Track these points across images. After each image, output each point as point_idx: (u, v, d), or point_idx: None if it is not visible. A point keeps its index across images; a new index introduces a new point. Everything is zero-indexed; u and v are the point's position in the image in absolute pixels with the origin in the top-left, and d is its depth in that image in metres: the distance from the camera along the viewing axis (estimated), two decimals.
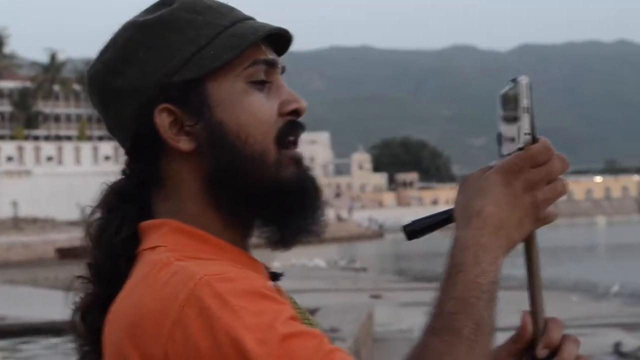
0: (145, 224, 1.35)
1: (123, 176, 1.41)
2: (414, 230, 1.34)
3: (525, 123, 1.26)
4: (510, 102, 1.28)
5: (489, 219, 1.26)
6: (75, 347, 1.40)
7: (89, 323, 1.37)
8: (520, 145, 1.26)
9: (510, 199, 1.26)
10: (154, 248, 1.30)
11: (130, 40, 1.35)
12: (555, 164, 1.27)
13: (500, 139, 1.30)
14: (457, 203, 1.30)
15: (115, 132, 1.38)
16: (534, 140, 1.27)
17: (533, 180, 1.27)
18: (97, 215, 1.39)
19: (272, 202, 1.34)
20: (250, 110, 1.33)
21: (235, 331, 1.16)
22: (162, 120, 1.33)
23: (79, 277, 1.39)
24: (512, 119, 1.27)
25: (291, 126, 1.36)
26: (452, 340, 1.20)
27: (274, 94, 1.36)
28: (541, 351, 1.29)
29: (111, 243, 1.36)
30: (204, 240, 1.32)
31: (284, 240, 1.37)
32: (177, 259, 1.25)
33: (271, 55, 1.38)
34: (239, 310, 1.17)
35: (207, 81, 1.33)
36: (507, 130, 1.28)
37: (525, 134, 1.26)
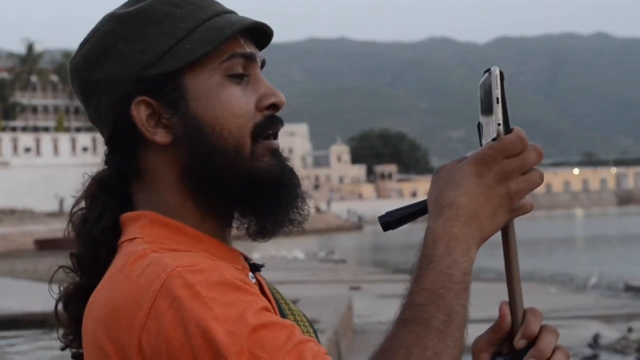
0: (124, 215, 1.36)
1: (105, 167, 1.41)
2: (389, 221, 1.34)
3: (497, 114, 1.25)
4: (486, 93, 1.28)
5: (461, 209, 1.25)
6: (59, 336, 1.41)
7: (71, 312, 1.38)
8: (493, 136, 1.26)
9: (482, 190, 1.26)
10: (132, 239, 1.31)
11: (109, 33, 1.36)
12: (529, 154, 1.26)
13: (480, 129, 1.31)
14: (429, 194, 1.29)
15: (97, 123, 1.39)
16: (508, 130, 1.26)
17: (506, 170, 1.26)
18: (81, 205, 1.41)
19: (248, 194, 1.34)
20: (226, 104, 1.34)
21: (205, 322, 1.16)
22: (139, 112, 1.33)
23: (61, 267, 1.40)
24: (489, 110, 1.27)
25: (269, 121, 1.36)
26: (421, 332, 1.20)
27: (252, 88, 1.37)
28: (519, 341, 1.28)
29: (91, 234, 1.37)
30: (182, 231, 1.33)
31: (262, 231, 1.37)
32: (153, 251, 1.26)
33: (249, 49, 1.37)
34: (208, 302, 1.18)
35: (184, 74, 1.33)
36: (485, 120, 1.29)
37: (498, 124, 1.25)
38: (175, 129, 1.34)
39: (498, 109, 1.25)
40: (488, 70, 1.28)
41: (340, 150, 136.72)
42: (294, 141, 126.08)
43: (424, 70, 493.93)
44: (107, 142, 1.39)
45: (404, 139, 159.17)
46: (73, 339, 1.41)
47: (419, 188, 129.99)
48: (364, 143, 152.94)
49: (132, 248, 1.29)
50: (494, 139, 1.26)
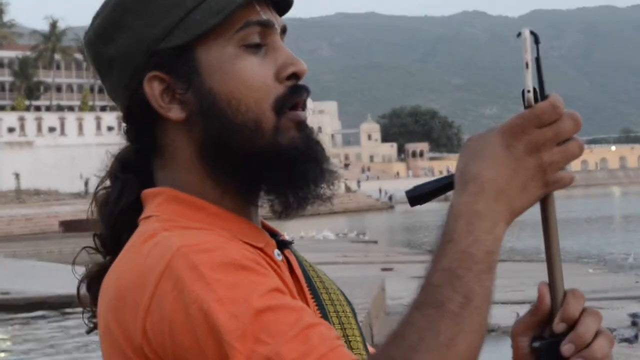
0: (145, 192, 1.33)
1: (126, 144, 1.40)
2: (414, 196, 1.27)
3: (526, 80, 1.17)
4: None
5: (487, 183, 1.16)
6: (84, 319, 1.39)
7: (94, 294, 1.34)
8: (526, 104, 1.17)
9: (511, 162, 1.16)
10: (148, 217, 1.28)
11: (118, 5, 1.32)
12: (565, 123, 1.16)
13: (524, 97, 1.20)
14: (456, 167, 1.21)
15: (114, 98, 1.36)
16: (543, 97, 1.17)
17: (538, 141, 1.16)
18: (105, 185, 1.39)
19: (269, 170, 1.30)
20: (242, 76, 1.29)
21: (207, 304, 1.12)
22: (152, 88, 1.30)
23: (85, 247, 1.39)
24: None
25: (292, 92, 1.30)
26: (434, 315, 1.11)
27: (270, 58, 1.31)
28: (558, 325, 1.19)
29: (112, 213, 1.35)
30: (200, 208, 1.29)
31: (286, 208, 1.32)
32: (165, 229, 1.23)
33: (266, 16, 1.32)
34: (212, 283, 1.14)
35: (196, 47, 1.29)
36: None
37: (527, 91, 1.17)
38: (190, 104, 1.30)
39: (527, 75, 1.16)
40: (518, 33, 1.18)
41: (370, 128, 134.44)
42: (322, 119, 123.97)
43: (456, 45, 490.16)
44: (125, 119, 1.36)
45: (436, 116, 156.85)
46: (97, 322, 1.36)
47: (452, 166, 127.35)
48: (394, 121, 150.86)
49: (144, 227, 1.26)
50: (526, 107, 1.17)
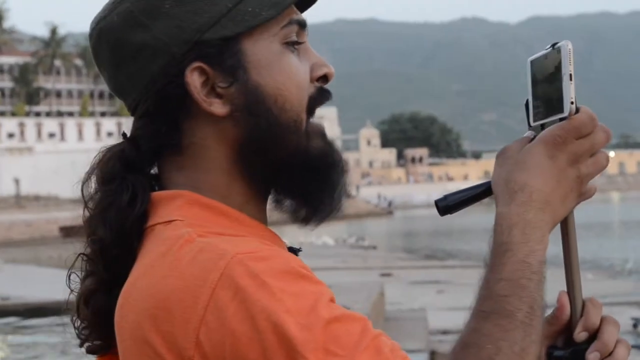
0: (157, 195, 1.24)
1: (127, 141, 1.27)
2: (448, 205, 1.27)
3: (570, 91, 1.18)
4: (545, 69, 1.23)
5: (535, 194, 1.18)
6: (76, 331, 1.30)
7: (93, 306, 1.25)
8: (564, 115, 1.19)
9: (555, 173, 1.19)
10: (169, 222, 1.19)
11: None
12: (598, 135, 1.20)
13: (528, 108, 1.25)
14: (496, 176, 1.22)
15: (126, 91, 1.26)
16: (577, 109, 1.19)
17: (578, 152, 1.19)
18: (98, 186, 1.26)
19: (303, 175, 1.25)
20: (288, 73, 1.24)
21: (276, 315, 1.07)
22: (194, 80, 1.22)
23: (81, 254, 1.28)
24: (547, 87, 1.22)
25: (321, 93, 1.28)
26: (507, 325, 1.13)
27: (304, 57, 1.28)
28: (580, 334, 1.20)
29: (122, 221, 1.22)
30: (223, 213, 1.22)
31: (313, 215, 1.28)
32: (199, 235, 1.15)
33: (300, 16, 1.29)
34: (277, 292, 1.08)
35: (243, 39, 1.23)
36: (540, 98, 1.23)
37: (571, 102, 1.19)
38: (233, 99, 1.22)
39: (571, 86, 1.18)
40: (554, 44, 1.22)
41: (369, 134, 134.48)
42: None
43: (455, 51, 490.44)
44: (142, 114, 1.25)
45: (435, 122, 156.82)
46: (89, 334, 1.29)
47: (451, 172, 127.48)
48: (394, 126, 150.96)
49: (172, 232, 1.17)
50: (561, 119, 1.19)
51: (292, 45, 1.26)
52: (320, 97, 1.27)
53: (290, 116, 1.23)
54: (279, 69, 1.23)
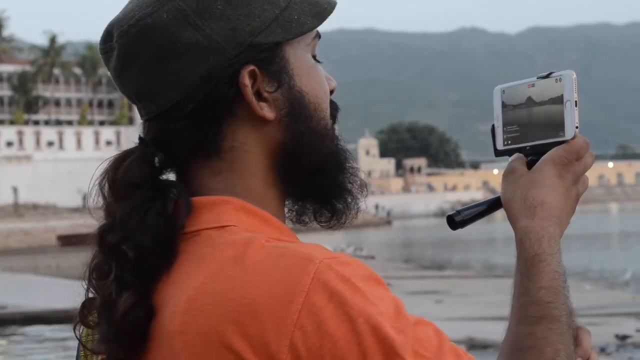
0: (198, 200, 1.21)
1: (152, 145, 1.24)
2: (464, 220, 1.36)
3: (575, 117, 1.30)
4: (538, 96, 1.34)
5: (552, 210, 1.29)
6: (89, 343, 1.27)
7: (132, 317, 1.18)
8: (566, 138, 1.31)
9: (563, 191, 1.31)
10: (222, 227, 1.18)
11: None
12: (589, 158, 1.33)
13: (494, 132, 1.38)
14: (510, 193, 1.32)
15: (161, 91, 1.23)
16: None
17: (577, 173, 1.32)
18: (122, 192, 1.21)
19: (331, 179, 1.28)
20: (320, 83, 1.28)
21: (374, 319, 1.09)
22: (246, 83, 1.21)
23: (97, 261, 1.22)
24: (536, 112, 1.34)
25: (333, 105, 1.32)
26: (558, 329, 1.23)
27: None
28: None
29: (164, 225, 1.19)
30: (267, 220, 1.22)
31: (337, 217, 1.30)
32: (266, 240, 1.15)
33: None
34: (370, 297, 1.11)
35: (286, 46, 1.24)
36: (521, 122, 1.35)
37: (576, 127, 1.31)
38: (278, 104, 1.23)
39: (576, 112, 1.31)
40: (546, 75, 1.34)
41: (368, 143, 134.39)
42: None
43: (454, 61, 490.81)
44: (187, 114, 1.22)
45: (433, 132, 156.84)
46: (119, 344, 1.20)
47: (449, 182, 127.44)
48: (392, 136, 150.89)
49: (233, 237, 1.16)
50: (560, 142, 1.31)
51: (314, 57, 1.29)
52: (333, 108, 1.31)
53: (325, 124, 1.26)
54: (315, 78, 1.26)
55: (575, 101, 1.30)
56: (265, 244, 1.14)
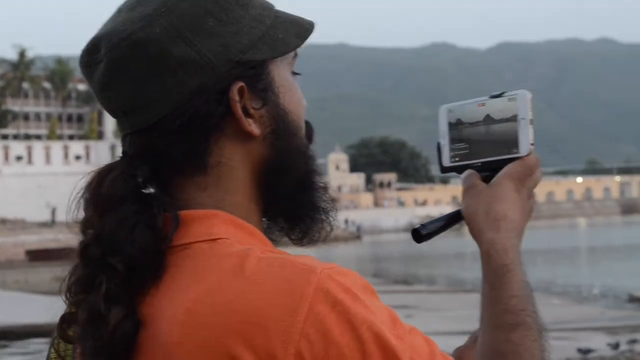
0: (186, 214, 1.22)
1: (135, 159, 1.25)
2: (429, 232, 1.40)
3: (530, 134, 1.37)
4: (492, 115, 1.40)
5: (514, 223, 1.36)
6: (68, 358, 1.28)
7: (122, 331, 1.17)
8: (521, 155, 1.37)
9: (520, 205, 1.37)
10: (213, 240, 1.20)
11: (199, 7, 1.24)
12: (538, 173, 1.40)
13: (440, 150, 1.43)
14: (472, 206, 1.38)
15: (150, 105, 1.23)
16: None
17: (531, 187, 1.39)
18: (106, 206, 1.21)
19: (305, 197, 1.30)
20: (300, 101, 1.31)
21: (377, 327, 1.13)
22: (237, 99, 1.24)
23: (79, 277, 1.21)
24: (488, 130, 1.39)
25: (308, 125, 1.35)
26: (531, 335, 1.29)
27: None
28: None
29: (152, 238, 1.20)
30: (252, 234, 1.24)
31: (307, 235, 1.32)
32: (261, 252, 1.17)
33: None
34: (369, 305, 1.14)
35: (270, 64, 1.27)
36: (471, 140, 1.41)
37: (531, 144, 1.37)
38: (263, 121, 1.25)
39: (531, 130, 1.37)
40: (500, 94, 1.40)
41: (338, 158, 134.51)
42: None
43: (424, 76, 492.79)
44: (176, 129, 1.23)
45: (404, 147, 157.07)
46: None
47: (419, 197, 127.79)
48: (362, 151, 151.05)
49: (226, 249, 1.18)
50: (513, 158, 1.37)
51: (294, 74, 1.32)
52: (309, 128, 1.33)
53: (304, 142, 1.29)
54: (297, 96, 1.29)
55: (531, 119, 1.36)
56: (261, 255, 1.16)
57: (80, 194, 1.24)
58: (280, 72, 1.27)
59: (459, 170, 1.42)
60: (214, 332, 1.13)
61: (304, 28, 1.30)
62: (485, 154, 1.40)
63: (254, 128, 1.24)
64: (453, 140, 1.42)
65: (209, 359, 1.13)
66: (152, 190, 1.24)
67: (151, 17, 1.23)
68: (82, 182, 1.24)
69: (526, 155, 1.37)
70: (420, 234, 1.39)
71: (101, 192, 1.22)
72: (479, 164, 1.40)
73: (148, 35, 1.22)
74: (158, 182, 1.24)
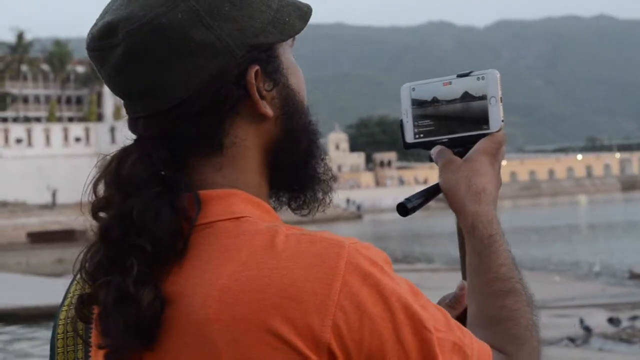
0: (205, 193, 1.26)
1: (154, 141, 1.27)
2: (414, 206, 1.46)
3: (500, 111, 1.44)
4: (467, 93, 1.45)
5: (492, 195, 1.43)
6: (89, 336, 1.29)
7: (153, 312, 1.19)
8: (492, 131, 1.44)
9: (494, 178, 1.45)
10: (237, 218, 1.24)
11: None
12: (504, 150, 1.48)
13: (403, 126, 1.49)
14: (453, 180, 1.44)
15: (168, 88, 1.26)
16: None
17: (500, 161, 1.47)
18: (129, 189, 1.24)
19: (310, 170, 1.35)
20: (303, 81, 1.36)
21: (404, 298, 1.19)
22: (254, 82, 1.28)
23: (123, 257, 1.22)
24: (459, 107, 1.45)
25: None
26: (523, 301, 1.36)
27: None
28: None
29: (177, 219, 1.23)
30: (268, 212, 1.29)
31: (309, 205, 1.36)
32: (287, 229, 1.22)
33: None
34: (394, 277, 1.20)
35: (278, 47, 1.31)
36: (437, 117, 1.47)
37: (502, 120, 1.44)
38: (275, 102, 1.30)
39: (501, 108, 1.44)
40: (468, 73, 1.46)
41: (338, 138, 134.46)
42: None
43: (422, 55, 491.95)
44: (197, 112, 1.26)
45: None
46: (135, 338, 1.21)
47: (420, 175, 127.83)
48: (362, 130, 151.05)
49: (252, 227, 1.22)
50: (484, 134, 1.45)
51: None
52: None
53: (309, 119, 1.34)
54: (300, 76, 1.34)
55: (500, 97, 1.43)
56: (288, 232, 1.20)
57: (99, 178, 1.26)
58: (286, 54, 1.31)
59: (423, 146, 1.47)
60: (252, 306, 1.16)
61: (303, 11, 1.34)
62: (453, 130, 1.46)
63: (268, 110, 1.28)
64: (416, 117, 1.47)
65: (247, 333, 1.16)
66: (165, 172, 1.26)
67: (173, 2, 1.25)
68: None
69: (497, 131, 1.44)
70: (406, 207, 1.44)
71: (122, 174, 1.24)
72: (446, 139, 1.46)
73: (170, 21, 1.24)
74: (174, 163, 1.27)
